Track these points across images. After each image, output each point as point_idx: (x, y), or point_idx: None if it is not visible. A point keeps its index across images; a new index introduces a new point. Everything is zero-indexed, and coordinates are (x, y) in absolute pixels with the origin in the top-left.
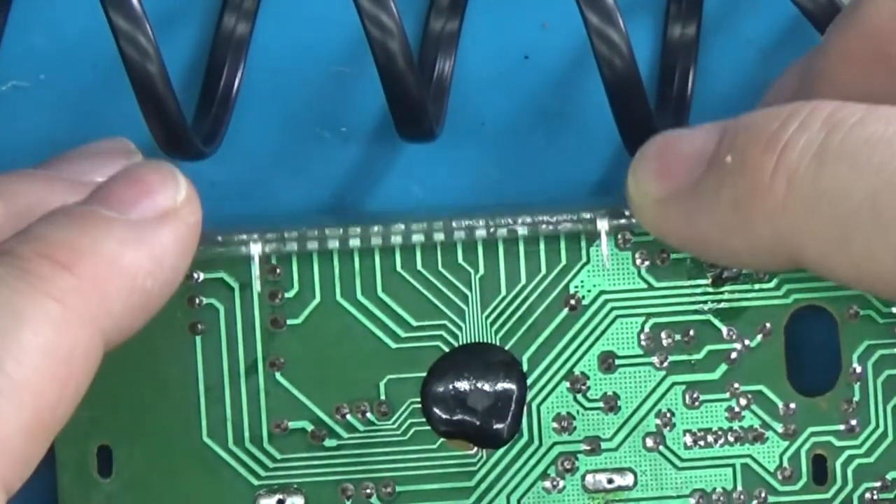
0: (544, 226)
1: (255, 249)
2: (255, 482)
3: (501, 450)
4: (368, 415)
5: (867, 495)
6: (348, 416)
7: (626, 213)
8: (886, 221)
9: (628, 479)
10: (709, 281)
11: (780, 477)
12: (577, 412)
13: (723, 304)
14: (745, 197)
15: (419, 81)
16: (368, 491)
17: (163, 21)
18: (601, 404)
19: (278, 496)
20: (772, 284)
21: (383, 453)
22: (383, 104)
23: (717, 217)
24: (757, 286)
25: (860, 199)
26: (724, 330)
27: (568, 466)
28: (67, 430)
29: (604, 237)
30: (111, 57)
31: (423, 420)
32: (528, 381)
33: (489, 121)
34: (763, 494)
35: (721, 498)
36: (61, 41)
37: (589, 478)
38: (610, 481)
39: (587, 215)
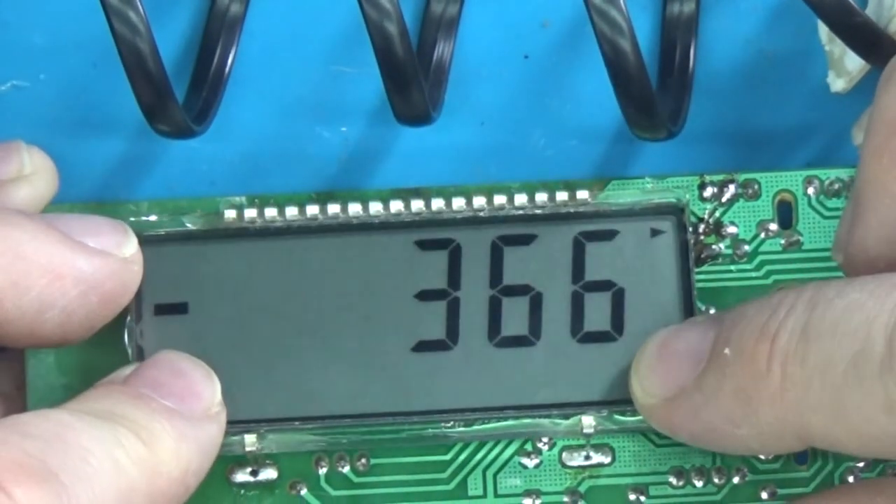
0: None
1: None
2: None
3: (478, 425)
4: None
5: (848, 476)
6: None
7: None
8: (870, 380)
9: (606, 456)
10: None
11: (760, 455)
12: None
13: (703, 284)
14: (747, 386)
15: (416, 64)
16: (342, 462)
17: (157, 7)
18: None
19: (251, 467)
20: (752, 265)
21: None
22: (382, 93)
23: (723, 409)
24: (736, 266)
25: (845, 366)
26: (703, 309)
27: (546, 442)
28: (41, 396)
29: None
30: (111, 57)
31: None
32: None
33: (489, 120)
34: (743, 472)
35: (700, 475)
36: (61, 41)
37: (566, 454)
38: (588, 458)
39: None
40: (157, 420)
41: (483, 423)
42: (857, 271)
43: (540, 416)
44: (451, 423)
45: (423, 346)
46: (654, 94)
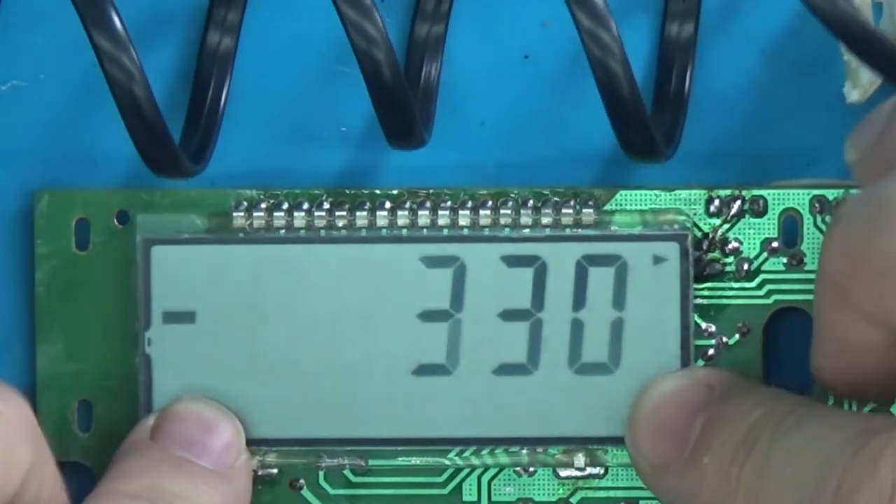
0: None
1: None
2: None
3: (474, 458)
4: None
5: None
6: None
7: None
8: None
9: (599, 469)
10: None
11: None
12: None
13: (703, 301)
14: (718, 502)
15: (407, 91)
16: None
17: (145, 39)
18: None
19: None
20: (753, 284)
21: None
22: None
23: None
24: (738, 285)
25: None
26: (703, 326)
27: (540, 453)
28: (50, 384)
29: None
30: None
31: None
32: None
33: (489, 120)
34: None
35: None
36: (61, 41)
37: (560, 465)
38: (581, 469)
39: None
40: (202, 491)
41: (478, 457)
42: (821, 381)
43: (534, 451)
44: (447, 454)
45: (423, 371)
46: (647, 117)
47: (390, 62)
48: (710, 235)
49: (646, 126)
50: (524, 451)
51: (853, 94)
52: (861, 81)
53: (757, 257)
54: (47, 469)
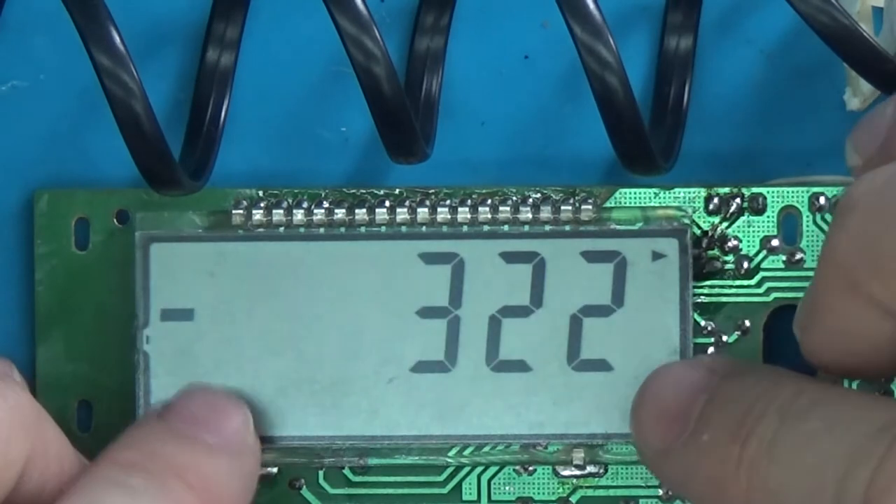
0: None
1: None
2: None
3: (472, 455)
4: None
5: None
6: None
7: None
8: None
9: (599, 467)
10: None
11: None
12: None
13: (702, 299)
14: (718, 480)
15: (407, 106)
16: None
17: (145, 55)
18: None
19: None
20: (753, 282)
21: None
22: None
23: (699, 487)
24: (737, 282)
25: (797, 500)
26: (702, 324)
27: (539, 450)
28: (50, 383)
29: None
30: None
31: None
32: None
33: (489, 120)
34: None
35: None
36: (61, 42)
37: (560, 464)
38: (580, 468)
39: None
40: (204, 463)
41: (476, 454)
42: (813, 363)
43: (533, 447)
44: (447, 453)
45: (421, 367)
46: (645, 131)
47: (390, 78)
48: (710, 233)
49: (644, 140)
50: (523, 449)
51: (853, 102)
52: (862, 89)
53: (756, 255)
54: (51, 452)
